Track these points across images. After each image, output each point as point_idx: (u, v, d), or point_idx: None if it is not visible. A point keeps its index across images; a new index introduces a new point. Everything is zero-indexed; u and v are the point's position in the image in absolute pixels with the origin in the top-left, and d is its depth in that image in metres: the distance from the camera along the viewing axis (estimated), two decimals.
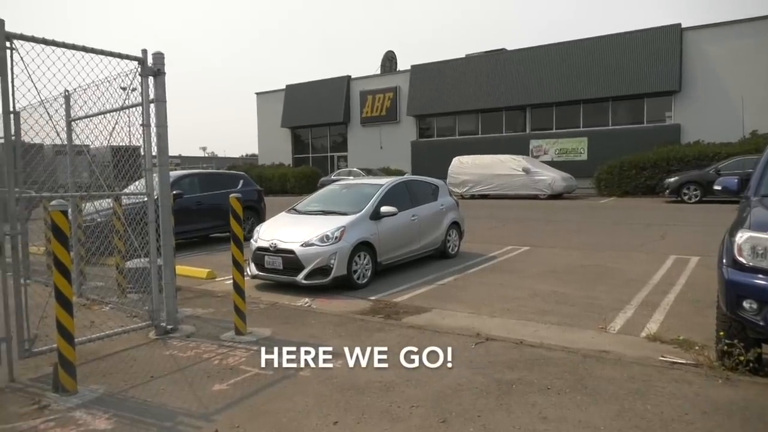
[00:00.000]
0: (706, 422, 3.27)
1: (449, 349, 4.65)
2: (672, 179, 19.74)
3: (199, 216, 11.53)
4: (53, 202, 3.90)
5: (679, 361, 4.27)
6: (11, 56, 4.16)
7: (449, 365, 4.29)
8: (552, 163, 26.75)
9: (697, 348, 4.47)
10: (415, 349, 4.70)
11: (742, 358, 3.90)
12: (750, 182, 4.94)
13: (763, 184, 4.78)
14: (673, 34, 26.07)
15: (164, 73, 5.26)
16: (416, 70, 34.19)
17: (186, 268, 8.45)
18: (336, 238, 7.14)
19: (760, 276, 3.70)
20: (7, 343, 4.15)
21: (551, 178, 23.31)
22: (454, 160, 26.01)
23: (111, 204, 6.61)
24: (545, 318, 5.76)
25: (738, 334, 3.94)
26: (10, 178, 4.27)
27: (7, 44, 4.12)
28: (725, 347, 3.98)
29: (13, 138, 4.30)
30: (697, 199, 18.73)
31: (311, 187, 28.71)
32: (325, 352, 4.64)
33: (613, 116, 28.46)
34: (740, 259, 3.82)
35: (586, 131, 28.82)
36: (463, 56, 33.39)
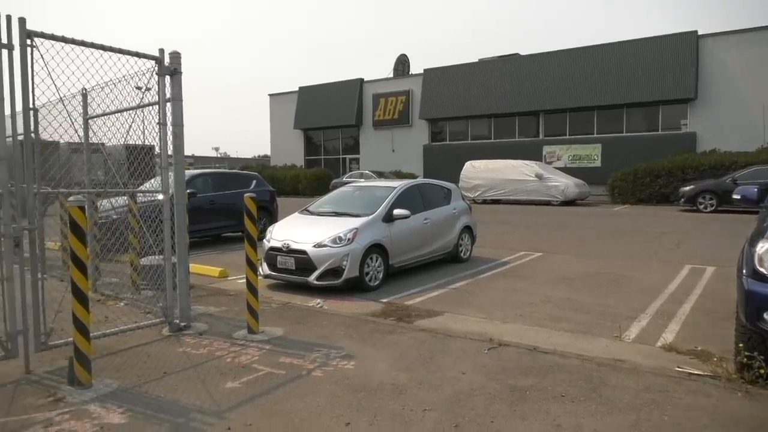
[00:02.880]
0: None
1: (462, 354, 4.64)
2: (687, 188, 19.51)
3: (211, 215, 11.59)
4: (71, 198, 3.94)
5: (697, 372, 4.20)
6: (32, 53, 4.20)
7: (462, 370, 4.27)
8: (565, 170, 26.60)
9: (715, 359, 4.39)
10: (427, 352, 4.68)
11: (762, 371, 3.83)
12: None
13: None
14: (690, 41, 25.85)
15: (181, 73, 5.30)
16: (429, 73, 34.19)
17: (198, 266, 8.49)
18: (348, 239, 7.14)
19: None
20: (24, 336, 4.18)
21: (564, 184, 23.18)
22: (466, 164, 25.95)
23: (126, 201, 6.67)
24: (559, 325, 5.72)
25: (758, 347, 3.88)
26: (28, 174, 4.32)
27: (28, 41, 4.17)
28: (745, 359, 3.91)
29: (31, 135, 4.34)
30: (713, 208, 18.51)
31: (323, 188, 28.80)
32: (337, 353, 4.64)
33: (628, 123, 28.25)
34: (761, 269, 3.76)
35: (600, 138, 28.63)
36: (477, 60, 33.35)
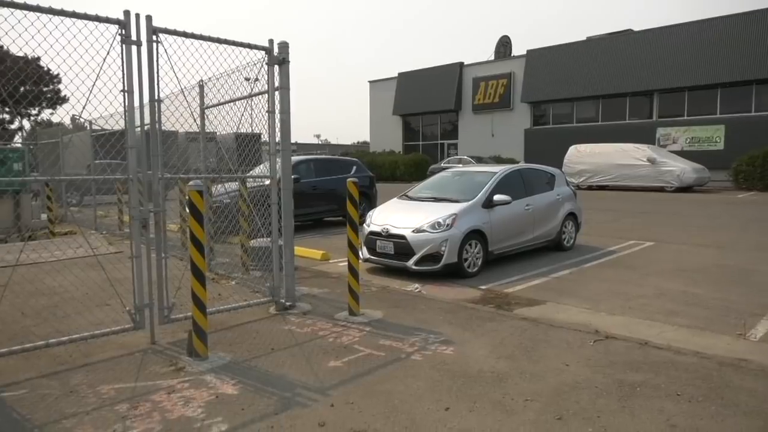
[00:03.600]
0: None
1: (565, 345, 4.47)
2: None
3: (314, 200, 12.00)
4: (191, 183, 4.24)
5: None
6: (157, 49, 4.55)
7: (565, 361, 4.12)
8: (682, 153, 24.64)
9: None
10: (528, 341, 4.56)
11: None
12: None
13: None
14: None
15: (289, 62, 5.50)
16: (532, 55, 32.95)
17: (302, 249, 8.84)
18: (447, 225, 7.10)
19: None
20: (150, 309, 4.59)
21: (680, 168, 21.49)
22: (570, 148, 24.83)
23: (237, 186, 7.09)
24: (673, 319, 5.33)
25: None
26: (154, 161, 4.71)
27: (154, 37, 4.52)
28: None
29: (156, 125, 4.72)
30: None
31: (421, 174, 28.83)
32: (435, 338, 4.65)
33: (757, 102, 25.48)
34: None
35: (723, 118, 26.13)
36: (584, 39, 31.61)
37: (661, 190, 21.56)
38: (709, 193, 20.76)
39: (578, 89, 30.77)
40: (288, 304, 5.60)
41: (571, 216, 9.24)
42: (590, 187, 23.47)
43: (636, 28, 30.01)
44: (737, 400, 3.44)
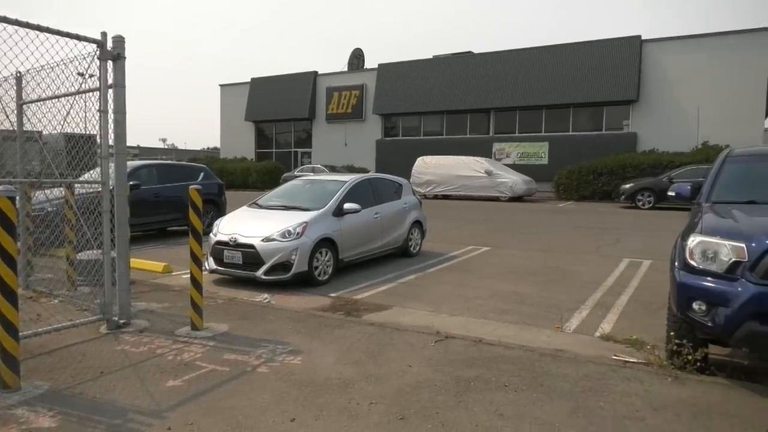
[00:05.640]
0: (656, 419, 3.36)
1: (409, 347, 4.67)
2: (627, 185, 20.37)
3: (156, 208, 11.24)
4: (0, 188, 3.71)
5: (631, 360, 4.38)
6: None
7: (409, 363, 4.30)
8: (514, 166, 27.22)
9: (648, 347, 4.61)
10: (375, 346, 4.69)
11: (690, 357, 4.03)
12: (701, 189, 5.12)
13: (713, 192, 4.96)
14: (633, 45, 26.86)
15: (124, 58, 5.09)
16: (383, 68, 34.21)
17: (141, 261, 8.21)
18: (298, 233, 7.06)
19: (709, 279, 3.83)
20: None
21: (512, 180, 23.72)
22: (418, 159, 26.18)
23: (63, 193, 6.36)
24: (504, 317, 5.84)
25: (687, 335, 4.08)
26: None
27: None
28: (675, 347, 4.11)
29: None
30: (651, 205, 19.38)
31: (274, 182, 28.36)
32: (283, 349, 4.59)
33: (574, 122, 29.12)
34: (691, 262, 3.95)
35: (547, 136, 29.41)
36: (431, 57, 33.60)
37: (496, 199, 23.61)
38: (536, 203, 23.20)
39: (425, 104, 32.58)
40: (122, 321, 5.14)
41: (417, 224, 9.72)
42: (436, 197, 24.94)
43: (476, 51, 32.62)
44: (554, 386, 3.86)
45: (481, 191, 24.05)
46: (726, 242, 3.81)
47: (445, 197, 24.88)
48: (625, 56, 26.97)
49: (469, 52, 32.91)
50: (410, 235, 9.44)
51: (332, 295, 6.78)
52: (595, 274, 8.06)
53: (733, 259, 3.73)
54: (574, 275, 8.02)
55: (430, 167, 25.53)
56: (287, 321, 5.44)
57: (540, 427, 3.25)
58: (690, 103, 25.00)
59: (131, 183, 8.42)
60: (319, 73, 36.95)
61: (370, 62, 38.73)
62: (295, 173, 27.87)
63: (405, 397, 3.67)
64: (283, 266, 6.94)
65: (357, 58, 38.59)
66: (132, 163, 11.18)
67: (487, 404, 3.56)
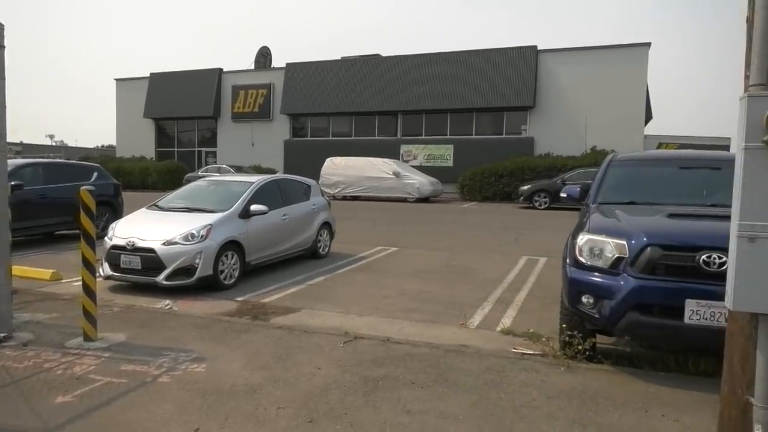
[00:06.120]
0: (550, 406, 3.60)
1: (318, 349, 4.66)
2: (525, 187, 21.60)
3: (43, 210, 10.39)
4: None
5: (529, 352, 4.66)
6: None
7: (318, 365, 4.29)
8: (421, 168, 27.89)
9: (543, 340, 4.92)
10: (283, 349, 4.64)
11: (580, 347, 4.36)
12: (589, 191, 5.55)
13: (600, 193, 5.40)
14: (530, 54, 28.48)
15: (4, 47, 4.68)
16: (291, 68, 33.78)
17: (25, 268, 7.55)
18: (202, 236, 6.81)
19: (596, 274, 4.16)
20: None
21: (419, 182, 24.31)
22: (327, 160, 26.12)
23: None
24: (411, 315, 5.99)
25: (577, 326, 4.41)
26: None
27: None
28: (567, 338, 4.43)
29: None
30: (546, 205, 20.66)
31: (176, 182, 27.08)
32: (186, 357, 4.41)
33: (477, 126, 30.38)
34: (580, 258, 4.28)
35: (452, 139, 30.43)
36: (339, 58, 33.64)
37: (404, 200, 24.09)
38: (442, 203, 23.95)
39: (334, 105, 32.56)
40: (2, 335, 4.70)
41: (326, 225, 9.71)
42: (344, 198, 25.01)
43: (384, 54, 33.08)
44: (458, 380, 4.02)
45: (389, 192, 24.43)
46: (610, 240, 4.16)
47: (354, 198, 25.02)
48: (523, 65, 28.54)
49: (377, 54, 33.32)
50: (319, 236, 9.41)
51: (239, 299, 6.61)
52: (496, 271, 8.47)
53: (617, 255, 4.08)
54: (477, 273, 8.38)
55: (338, 168, 25.56)
56: (191, 327, 5.24)
57: (444, 421, 3.38)
58: (580, 110, 26.90)
59: (12, 183, 7.74)
60: (225, 70, 35.81)
61: (278, 61, 38.04)
62: (199, 173, 26.84)
63: (314, 399, 3.66)
64: (186, 271, 6.66)
65: (264, 56, 37.79)
66: (13, 162, 10.26)
67: (395, 402, 3.64)
